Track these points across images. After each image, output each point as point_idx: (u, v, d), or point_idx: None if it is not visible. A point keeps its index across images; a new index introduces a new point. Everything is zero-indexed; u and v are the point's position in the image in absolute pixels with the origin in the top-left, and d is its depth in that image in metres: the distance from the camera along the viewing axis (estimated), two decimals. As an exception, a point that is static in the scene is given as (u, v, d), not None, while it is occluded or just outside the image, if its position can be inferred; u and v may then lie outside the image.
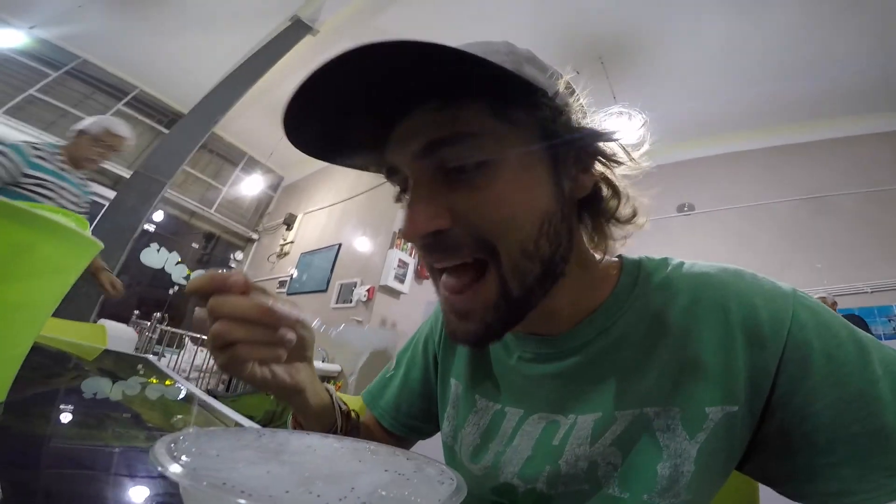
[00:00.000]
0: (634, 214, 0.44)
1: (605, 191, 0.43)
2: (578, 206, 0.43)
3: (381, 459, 0.27)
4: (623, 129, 0.41)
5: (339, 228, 4.95)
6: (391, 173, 0.42)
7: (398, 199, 0.47)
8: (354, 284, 4.10)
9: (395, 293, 4.03)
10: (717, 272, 0.42)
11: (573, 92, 0.41)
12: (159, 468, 0.19)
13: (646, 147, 0.44)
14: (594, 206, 0.44)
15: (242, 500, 0.17)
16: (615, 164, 0.42)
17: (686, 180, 3.99)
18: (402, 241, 0.53)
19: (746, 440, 0.37)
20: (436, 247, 0.38)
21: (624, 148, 0.43)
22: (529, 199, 0.38)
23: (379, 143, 0.41)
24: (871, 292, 2.86)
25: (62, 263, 0.40)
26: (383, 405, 0.62)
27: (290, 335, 0.39)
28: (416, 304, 3.98)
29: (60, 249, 0.39)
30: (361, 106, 0.36)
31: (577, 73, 0.41)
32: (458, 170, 0.37)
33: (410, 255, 4.13)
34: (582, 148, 0.41)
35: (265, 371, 0.41)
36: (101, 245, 0.43)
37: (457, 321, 0.40)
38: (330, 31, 4.33)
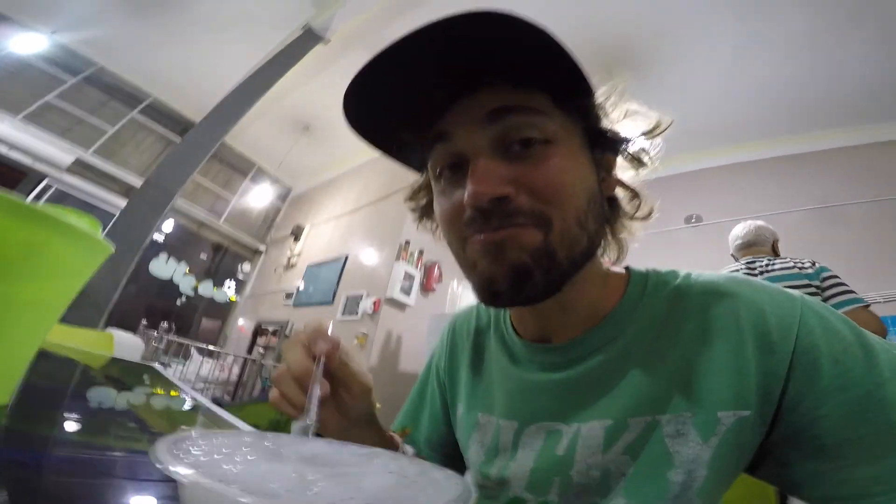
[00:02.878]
0: (651, 212, 0.47)
1: (624, 193, 0.47)
2: (604, 203, 0.45)
3: (385, 462, 0.27)
4: (648, 131, 0.44)
5: (346, 240, 4.97)
6: (440, 139, 0.41)
7: (416, 194, 0.52)
8: (360, 297, 4.10)
9: (400, 306, 4.02)
10: (726, 281, 0.42)
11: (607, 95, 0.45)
12: (158, 465, 0.19)
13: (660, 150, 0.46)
14: (614, 208, 0.46)
15: (243, 498, 0.17)
16: (640, 167, 0.45)
17: (693, 191, 3.97)
18: (445, 228, 0.42)
19: (756, 445, 0.37)
20: (494, 213, 0.38)
21: (648, 153, 0.45)
22: (582, 175, 0.41)
23: (424, 124, 0.42)
24: (885, 302, 2.80)
25: (74, 265, 0.41)
26: (420, 439, 0.62)
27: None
28: (422, 317, 3.96)
29: (72, 250, 0.39)
30: (433, 78, 0.38)
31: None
32: (521, 142, 0.38)
33: (416, 267, 4.14)
34: (614, 148, 0.44)
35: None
36: (113, 248, 0.44)
37: (490, 262, 0.39)
38: (341, 40, 4.34)
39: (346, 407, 0.45)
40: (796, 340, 0.35)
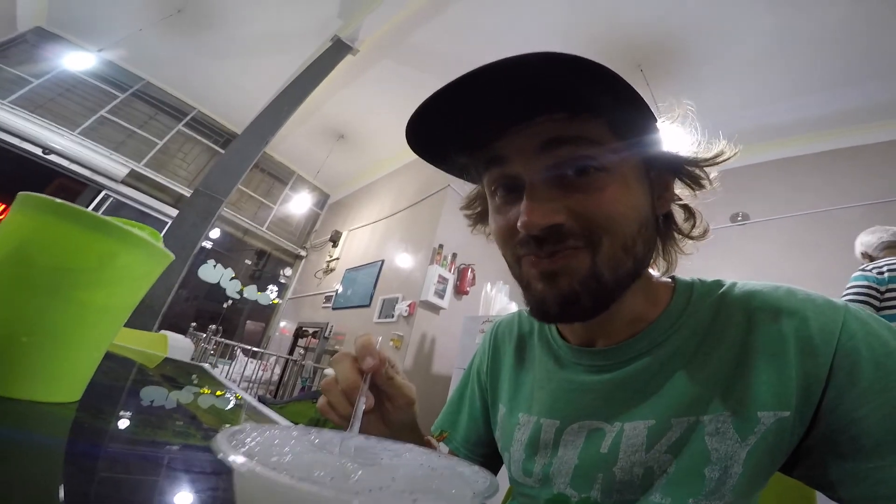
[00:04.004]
0: (706, 231, 0.50)
1: (679, 211, 0.49)
2: (656, 223, 0.47)
3: (416, 456, 0.28)
4: (704, 150, 0.46)
5: (382, 245, 5.06)
6: (495, 162, 0.44)
7: (471, 203, 0.55)
8: (396, 300, 4.17)
9: (435, 308, 4.05)
10: (770, 290, 0.43)
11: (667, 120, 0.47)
12: (220, 455, 0.21)
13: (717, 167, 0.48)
14: (668, 225, 0.49)
15: (293, 483, 0.19)
16: (697, 188, 0.47)
17: (739, 188, 3.77)
18: (496, 238, 0.48)
19: (794, 445, 0.37)
20: (547, 239, 0.40)
21: (706, 174, 0.47)
22: (634, 203, 0.42)
23: (480, 146, 0.44)
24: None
25: (139, 272, 0.45)
26: (458, 439, 0.65)
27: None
28: (456, 319, 3.98)
29: (139, 259, 0.43)
30: (492, 107, 0.39)
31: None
32: (576, 171, 0.40)
33: (450, 270, 4.16)
34: (671, 170, 0.46)
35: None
36: (173, 256, 0.48)
37: (544, 287, 0.42)
38: (368, 49, 4.46)
39: (390, 417, 0.48)
40: (838, 344, 0.36)
